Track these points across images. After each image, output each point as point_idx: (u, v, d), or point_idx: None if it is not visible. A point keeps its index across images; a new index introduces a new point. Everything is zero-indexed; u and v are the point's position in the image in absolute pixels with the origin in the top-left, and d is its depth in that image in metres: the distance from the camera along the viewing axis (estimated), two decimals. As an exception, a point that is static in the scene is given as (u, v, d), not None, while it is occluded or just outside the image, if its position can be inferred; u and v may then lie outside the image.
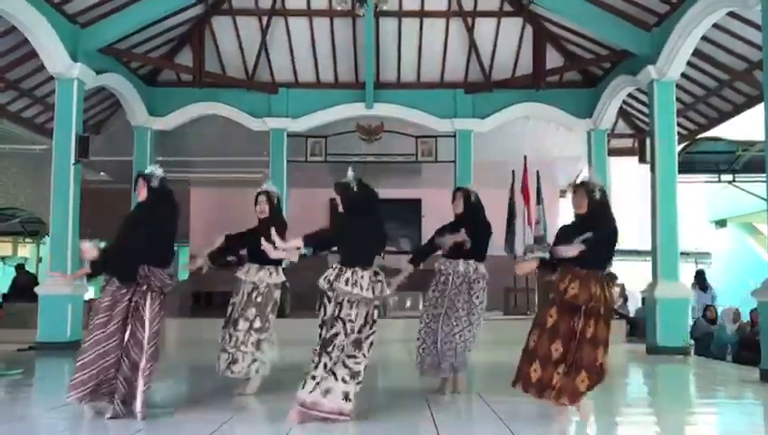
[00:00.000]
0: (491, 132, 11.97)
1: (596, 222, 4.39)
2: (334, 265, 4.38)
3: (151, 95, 11.58)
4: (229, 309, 5.37)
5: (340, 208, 4.49)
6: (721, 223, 18.90)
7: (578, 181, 4.58)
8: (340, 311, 4.28)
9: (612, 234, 4.46)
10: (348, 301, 4.30)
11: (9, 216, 14.92)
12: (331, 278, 4.32)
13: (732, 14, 8.27)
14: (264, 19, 11.19)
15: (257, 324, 5.27)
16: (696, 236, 17.98)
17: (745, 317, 10.38)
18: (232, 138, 12.88)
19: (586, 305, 4.29)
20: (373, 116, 11.86)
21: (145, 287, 4.33)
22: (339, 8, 7.80)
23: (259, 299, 5.32)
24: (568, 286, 4.33)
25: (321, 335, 4.30)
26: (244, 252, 5.50)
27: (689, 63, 9.23)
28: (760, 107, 7.42)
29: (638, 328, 10.58)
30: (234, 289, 5.41)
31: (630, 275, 13.51)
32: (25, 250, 17.91)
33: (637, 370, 7.86)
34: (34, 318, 8.71)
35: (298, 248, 4.43)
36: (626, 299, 11.68)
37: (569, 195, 4.82)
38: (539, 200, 12.36)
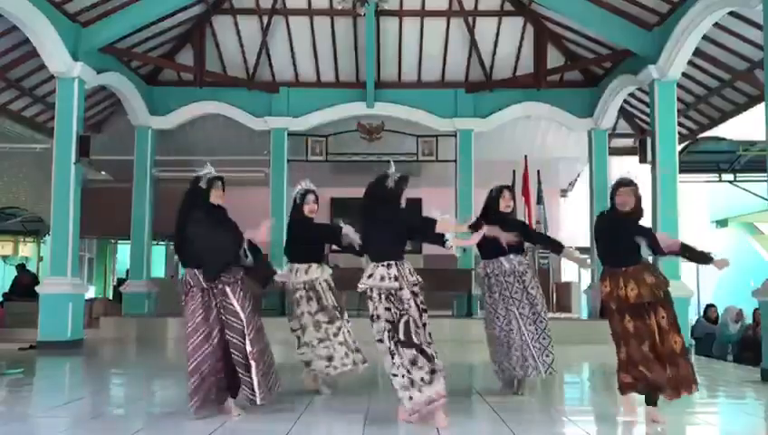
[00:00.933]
0: (492, 132, 11.98)
1: (635, 223, 4.49)
2: (374, 264, 4.25)
3: (152, 94, 11.58)
4: (309, 315, 5.21)
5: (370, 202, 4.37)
6: (722, 223, 18.90)
7: (626, 178, 4.53)
8: (417, 302, 4.20)
9: (635, 225, 4.51)
10: (412, 292, 4.21)
11: (10, 215, 14.94)
12: (394, 274, 4.19)
13: (733, 14, 8.26)
14: (265, 18, 11.20)
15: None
16: (698, 235, 17.95)
17: (748, 317, 10.35)
18: (232, 137, 12.89)
19: (652, 297, 4.33)
20: (374, 115, 11.87)
21: (221, 285, 4.35)
22: (339, 7, 7.77)
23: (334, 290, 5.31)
24: (626, 290, 4.35)
25: (398, 338, 4.12)
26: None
27: (690, 63, 9.23)
28: (761, 106, 7.42)
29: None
30: (301, 294, 5.25)
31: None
32: (26, 249, 17.91)
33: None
34: (35, 317, 8.72)
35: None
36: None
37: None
38: (539, 200, 12.36)
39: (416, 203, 14.96)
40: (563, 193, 16.78)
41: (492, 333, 5.31)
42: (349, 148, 12.16)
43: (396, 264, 4.23)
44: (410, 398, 4.07)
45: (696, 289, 12.93)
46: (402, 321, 4.13)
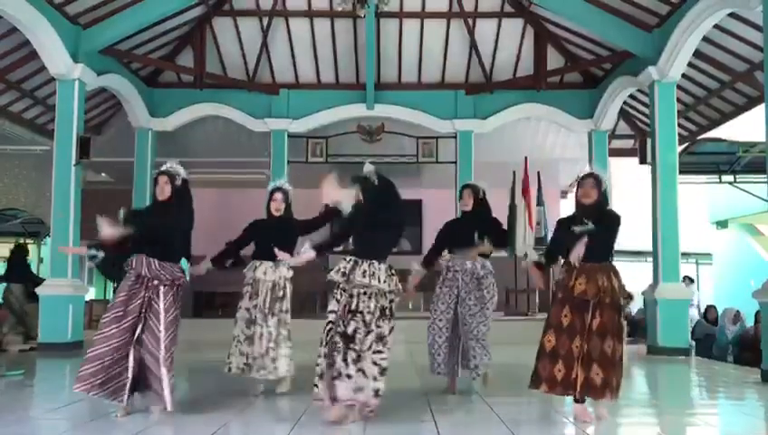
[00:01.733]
0: (492, 133, 11.98)
1: (603, 212, 4.43)
2: (347, 258, 4.31)
3: (152, 96, 11.59)
4: (246, 311, 5.30)
5: (357, 201, 4.40)
6: (722, 224, 18.89)
7: (587, 171, 4.55)
8: (358, 304, 4.23)
9: (618, 224, 4.46)
10: (364, 293, 4.24)
11: (10, 216, 14.92)
12: (347, 270, 4.26)
13: (733, 15, 8.26)
14: (265, 20, 11.21)
15: (288, 319, 5.32)
16: (698, 236, 17.96)
17: (750, 318, 10.33)
18: (233, 139, 12.89)
19: (595, 299, 4.29)
20: (374, 117, 11.88)
21: (156, 282, 4.38)
22: (339, 9, 7.79)
23: (281, 293, 5.35)
24: (575, 283, 4.33)
25: (335, 331, 4.20)
26: (243, 252, 5.51)
27: (690, 64, 9.23)
28: (761, 108, 7.42)
29: (639, 329, 10.58)
30: (247, 289, 5.36)
31: (631, 276, 13.49)
32: (26, 251, 17.89)
33: (637, 370, 7.85)
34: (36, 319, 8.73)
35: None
36: (631, 297, 11.65)
37: (573, 189, 4.83)
38: (540, 202, 12.35)
39: (416, 204, 15.00)
40: (564, 194, 16.77)
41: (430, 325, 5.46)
42: (349, 149, 12.16)
43: (355, 260, 4.28)
44: (315, 386, 4.17)
45: (696, 290, 12.95)
46: (330, 316, 4.26)
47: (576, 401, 4.38)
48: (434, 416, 4.50)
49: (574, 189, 4.55)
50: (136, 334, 4.33)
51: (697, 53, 9.06)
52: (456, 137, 11.79)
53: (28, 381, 6.47)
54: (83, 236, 9.86)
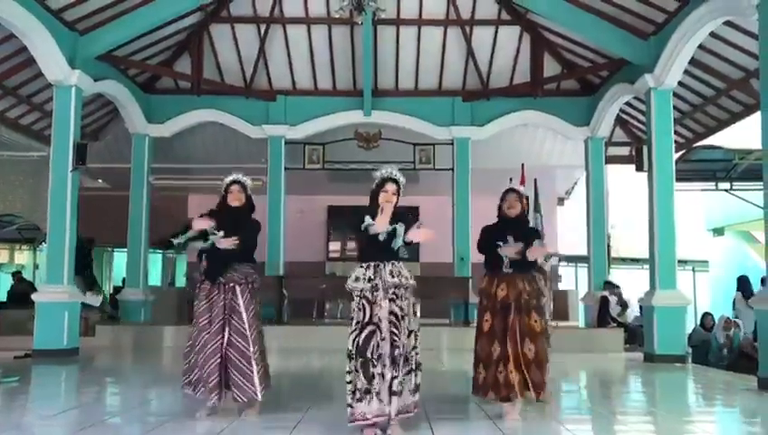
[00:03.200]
0: (489, 140, 12.01)
1: (527, 225, 4.96)
2: (363, 264, 4.19)
3: (149, 102, 11.59)
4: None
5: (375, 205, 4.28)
6: (718, 231, 18.92)
7: (510, 187, 4.94)
8: (393, 308, 4.10)
9: (539, 238, 4.87)
10: (395, 295, 4.13)
11: (6, 222, 14.90)
12: (371, 275, 4.13)
13: (728, 24, 8.30)
14: (263, 27, 11.24)
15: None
16: (694, 244, 17.99)
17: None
18: (230, 145, 12.88)
19: (517, 302, 4.60)
20: (371, 123, 11.89)
21: (231, 283, 4.66)
22: (337, 16, 7.80)
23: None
24: (497, 289, 4.67)
25: (378, 343, 4.03)
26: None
27: (686, 72, 9.26)
28: (757, 115, 7.46)
29: (637, 336, 10.58)
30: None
31: (628, 283, 13.51)
32: (22, 257, 17.88)
33: (634, 378, 7.85)
34: (31, 325, 8.69)
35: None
36: (624, 306, 11.68)
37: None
38: (537, 208, 12.35)
39: (413, 211, 15.01)
40: (561, 201, 16.81)
41: None
42: (346, 156, 12.18)
43: (374, 265, 4.18)
44: (349, 406, 4.04)
45: (692, 298, 12.95)
46: (368, 328, 4.08)
47: (504, 400, 4.60)
48: (429, 421, 4.49)
49: (498, 201, 4.90)
50: (225, 337, 4.58)
51: (693, 61, 9.09)
52: (452, 144, 11.82)
53: (23, 388, 6.44)
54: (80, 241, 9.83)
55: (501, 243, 4.64)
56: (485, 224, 4.93)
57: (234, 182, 5.00)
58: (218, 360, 4.53)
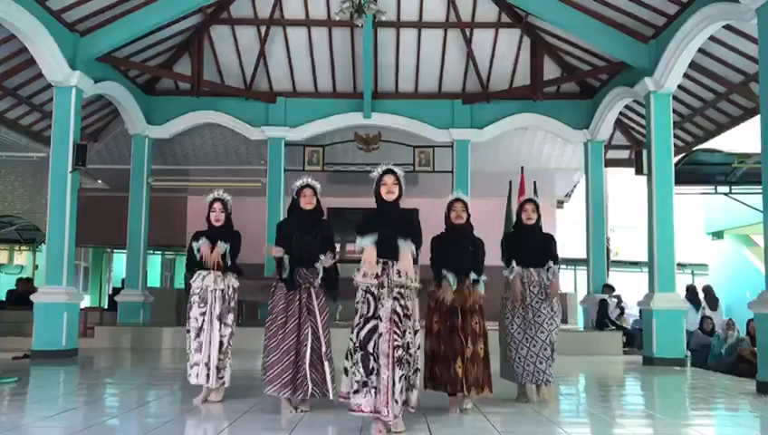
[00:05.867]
0: (488, 143, 12.02)
1: (472, 234, 5.15)
2: (378, 261, 4.16)
3: (149, 104, 11.60)
4: (199, 318, 5.26)
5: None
6: (718, 235, 18.93)
7: (456, 196, 5.27)
8: (400, 307, 4.13)
9: (483, 246, 5.15)
10: (400, 295, 4.15)
11: (6, 223, 14.91)
12: (379, 272, 4.15)
13: (728, 27, 8.31)
14: (263, 28, 11.24)
15: (233, 329, 5.37)
16: (693, 247, 18.01)
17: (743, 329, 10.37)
18: (230, 147, 12.90)
19: (463, 306, 4.94)
20: (371, 126, 11.91)
21: (307, 285, 4.87)
22: (337, 18, 7.83)
23: (233, 304, 5.40)
24: (445, 294, 4.96)
25: (391, 339, 4.05)
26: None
27: (686, 76, 9.27)
28: (756, 119, 7.46)
29: (635, 339, 10.58)
30: (196, 298, 5.32)
31: (627, 287, 13.52)
32: (22, 258, 17.87)
33: (633, 381, 7.85)
34: (30, 326, 8.68)
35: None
36: (622, 311, 11.68)
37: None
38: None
39: (413, 212, 15.00)
40: (560, 204, 16.82)
41: None
42: (345, 158, 12.18)
43: (383, 262, 4.18)
44: (346, 397, 4.15)
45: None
46: (371, 323, 4.12)
47: (451, 394, 4.98)
48: (428, 424, 4.48)
49: (445, 211, 5.27)
50: (301, 335, 4.78)
51: (693, 65, 9.11)
52: (452, 146, 11.82)
53: (21, 389, 6.43)
54: (78, 242, 9.86)
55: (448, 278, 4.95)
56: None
57: (305, 186, 5.19)
58: (293, 357, 4.72)
